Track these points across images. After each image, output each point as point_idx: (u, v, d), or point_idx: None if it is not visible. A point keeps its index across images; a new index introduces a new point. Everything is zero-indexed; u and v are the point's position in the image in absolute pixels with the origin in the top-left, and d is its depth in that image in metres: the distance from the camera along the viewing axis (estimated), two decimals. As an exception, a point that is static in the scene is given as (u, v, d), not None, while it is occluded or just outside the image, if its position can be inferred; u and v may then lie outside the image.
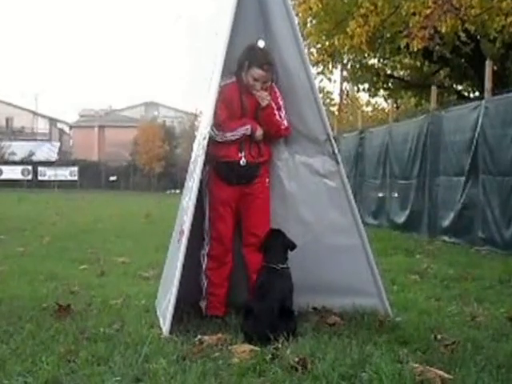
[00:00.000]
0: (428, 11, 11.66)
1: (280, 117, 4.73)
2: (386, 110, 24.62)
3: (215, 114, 4.58)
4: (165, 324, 4.19)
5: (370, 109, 30.80)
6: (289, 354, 3.61)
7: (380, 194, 14.48)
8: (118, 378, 3.28)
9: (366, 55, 17.46)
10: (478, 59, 15.10)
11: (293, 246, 4.47)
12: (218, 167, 4.76)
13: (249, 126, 4.68)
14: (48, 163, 50.53)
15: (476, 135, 10.11)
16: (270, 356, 3.62)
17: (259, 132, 4.71)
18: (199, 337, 4.00)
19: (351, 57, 17.93)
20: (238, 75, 4.72)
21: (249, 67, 4.66)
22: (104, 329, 4.26)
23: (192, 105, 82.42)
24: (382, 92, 20.27)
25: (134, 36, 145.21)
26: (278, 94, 4.78)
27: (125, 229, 12.88)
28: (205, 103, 4.96)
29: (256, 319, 4.10)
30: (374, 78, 18.86)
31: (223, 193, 4.77)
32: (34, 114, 65.54)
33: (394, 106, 19.48)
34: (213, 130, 4.59)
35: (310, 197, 4.88)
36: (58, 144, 58.78)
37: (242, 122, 4.71)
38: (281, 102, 4.76)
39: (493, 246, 9.44)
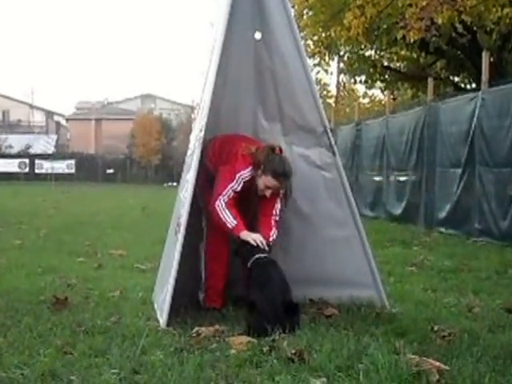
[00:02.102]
0: (424, 2, 11.62)
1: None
2: (383, 102, 24.59)
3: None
4: (162, 316, 4.20)
5: (366, 100, 30.78)
6: (286, 346, 3.62)
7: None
8: (115, 370, 3.29)
9: (363, 47, 17.43)
10: (475, 51, 15.10)
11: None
12: None
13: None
14: (45, 156, 50.35)
15: (473, 126, 10.12)
16: (267, 348, 3.64)
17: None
18: (196, 329, 4.01)
19: (348, 48, 17.91)
20: (254, 172, 4.54)
21: (263, 172, 4.50)
22: (101, 321, 4.27)
23: (189, 97, 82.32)
24: (378, 84, 20.22)
25: (131, 28, 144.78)
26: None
27: (122, 222, 12.87)
28: (201, 96, 4.95)
29: (260, 314, 4.05)
30: (371, 70, 18.83)
31: None
32: (31, 106, 65.34)
33: (391, 97, 19.46)
34: None
35: (308, 188, 4.89)
36: (54, 137, 58.56)
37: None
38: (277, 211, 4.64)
39: (489, 238, 9.46)
